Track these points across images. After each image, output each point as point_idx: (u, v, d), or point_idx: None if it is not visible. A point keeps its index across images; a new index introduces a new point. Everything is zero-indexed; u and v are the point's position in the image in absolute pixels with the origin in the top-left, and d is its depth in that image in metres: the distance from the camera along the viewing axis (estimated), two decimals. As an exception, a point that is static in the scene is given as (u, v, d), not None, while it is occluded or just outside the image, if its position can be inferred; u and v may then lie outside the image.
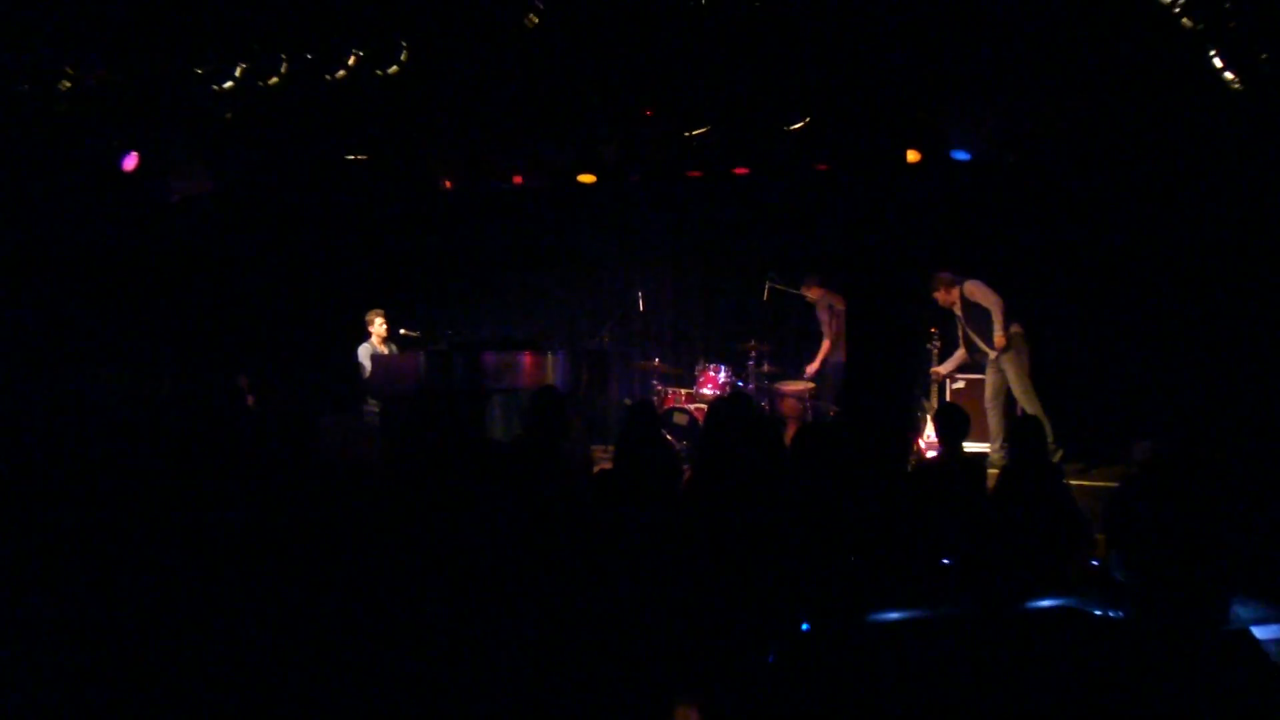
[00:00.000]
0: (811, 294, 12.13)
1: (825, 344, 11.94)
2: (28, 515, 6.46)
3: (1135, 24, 8.19)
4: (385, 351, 12.17)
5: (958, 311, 10.88)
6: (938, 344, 11.13)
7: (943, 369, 11.16)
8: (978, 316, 10.66)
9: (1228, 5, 7.84)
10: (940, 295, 10.90)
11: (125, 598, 5.45)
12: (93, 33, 11.10)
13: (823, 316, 12.03)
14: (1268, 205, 9.78)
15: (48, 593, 5.46)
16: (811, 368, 11.98)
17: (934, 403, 10.95)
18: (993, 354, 10.60)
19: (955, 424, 7.32)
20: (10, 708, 4.54)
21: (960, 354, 11.07)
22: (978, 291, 10.65)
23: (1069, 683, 3.65)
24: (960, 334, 10.97)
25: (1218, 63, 8.32)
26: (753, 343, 12.21)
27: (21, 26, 11.06)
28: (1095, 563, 6.02)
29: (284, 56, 10.72)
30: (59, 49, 11.30)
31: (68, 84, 11.50)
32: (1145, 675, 3.70)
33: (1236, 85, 8.43)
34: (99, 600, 5.46)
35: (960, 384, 11.32)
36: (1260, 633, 4.38)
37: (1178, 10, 7.79)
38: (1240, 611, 4.72)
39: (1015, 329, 10.49)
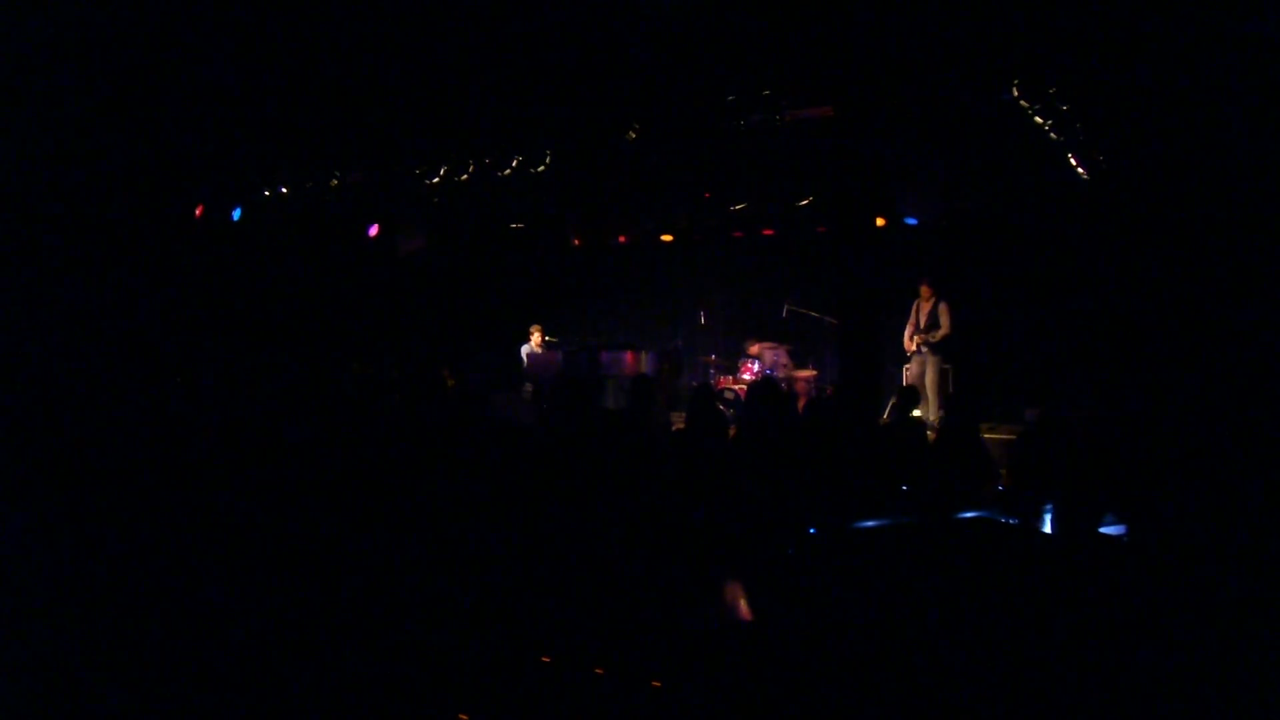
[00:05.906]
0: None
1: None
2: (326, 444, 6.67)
3: (1021, 137, 8.25)
4: (538, 350, 12.32)
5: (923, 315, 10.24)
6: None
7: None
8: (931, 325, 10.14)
9: (1078, 125, 7.90)
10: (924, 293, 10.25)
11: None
12: (348, 147, 11.44)
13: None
14: (1113, 249, 9.64)
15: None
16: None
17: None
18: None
19: (908, 399, 7.41)
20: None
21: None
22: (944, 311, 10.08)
23: (983, 565, 3.72)
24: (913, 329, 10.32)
25: (1072, 160, 8.51)
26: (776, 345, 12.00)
27: (307, 146, 11.45)
28: (1000, 488, 6.00)
29: (471, 161, 10.95)
30: (332, 159, 11.68)
31: (335, 181, 11.86)
32: (1033, 560, 3.76)
33: (1084, 175, 8.63)
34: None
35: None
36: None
37: (1048, 128, 7.89)
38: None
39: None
